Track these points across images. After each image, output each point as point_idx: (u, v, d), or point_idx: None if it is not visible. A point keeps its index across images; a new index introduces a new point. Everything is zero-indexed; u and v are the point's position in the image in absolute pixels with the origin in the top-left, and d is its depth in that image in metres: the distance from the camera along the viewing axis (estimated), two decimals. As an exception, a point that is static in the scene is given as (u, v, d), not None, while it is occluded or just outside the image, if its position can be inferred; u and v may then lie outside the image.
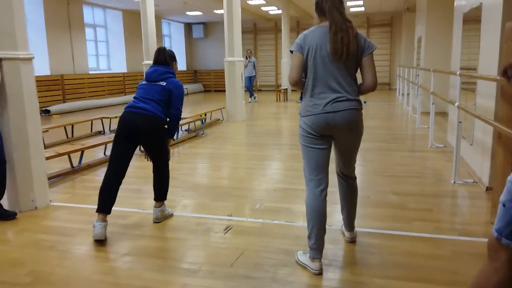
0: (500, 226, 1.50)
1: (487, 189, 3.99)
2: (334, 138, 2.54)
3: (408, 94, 10.58)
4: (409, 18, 14.60)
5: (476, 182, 4.30)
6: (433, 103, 6.01)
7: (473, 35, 4.84)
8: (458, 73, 4.40)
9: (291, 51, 2.49)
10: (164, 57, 3.35)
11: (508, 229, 1.47)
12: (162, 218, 3.43)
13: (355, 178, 2.83)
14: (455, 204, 3.89)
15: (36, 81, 3.81)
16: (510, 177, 1.47)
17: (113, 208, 3.14)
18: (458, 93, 4.40)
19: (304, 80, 2.49)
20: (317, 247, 2.52)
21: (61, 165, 5.28)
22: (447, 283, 2.39)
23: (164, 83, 3.27)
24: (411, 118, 9.04)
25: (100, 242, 3.04)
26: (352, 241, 2.94)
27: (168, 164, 3.46)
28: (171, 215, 3.54)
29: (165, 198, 3.46)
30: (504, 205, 1.48)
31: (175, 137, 7.03)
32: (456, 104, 4.39)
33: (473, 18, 4.87)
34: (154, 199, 3.43)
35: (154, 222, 3.40)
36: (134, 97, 3.29)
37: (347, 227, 2.95)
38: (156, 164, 3.40)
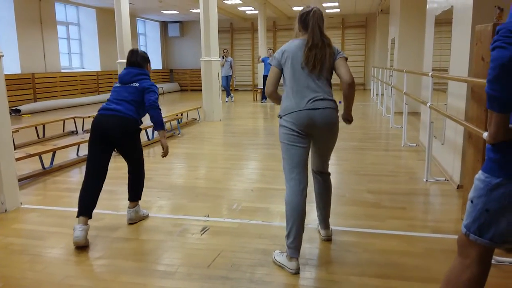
0: (468, 222, 1.55)
1: (458, 187, 4.11)
2: (313, 137, 2.62)
3: (382, 94, 10.78)
4: (383, 20, 14.88)
5: (447, 180, 4.41)
6: (406, 103, 6.13)
7: (445, 37, 4.97)
8: (430, 74, 4.51)
9: (270, 65, 2.68)
10: (136, 59, 3.31)
11: (475, 225, 1.52)
12: (136, 219, 3.38)
13: (329, 174, 2.91)
14: (427, 202, 3.99)
15: (6, 79, 3.68)
16: (478, 175, 1.52)
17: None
18: (430, 93, 4.51)
19: (277, 93, 2.69)
20: (295, 246, 2.54)
21: (32, 166, 5.13)
22: (421, 279, 2.45)
23: (137, 84, 3.22)
24: (385, 117, 9.21)
25: (80, 248, 2.92)
26: (328, 239, 2.97)
27: (143, 164, 3.41)
28: (146, 216, 3.49)
29: (139, 199, 3.41)
30: (472, 201, 1.52)
31: (150, 137, 6.94)
32: (428, 104, 4.49)
33: (444, 21, 5.00)
34: (128, 199, 3.38)
35: (129, 224, 3.35)
36: (108, 100, 3.25)
37: (323, 225, 2.99)
38: (131, 165, 3.35)
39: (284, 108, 2.57)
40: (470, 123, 3.15)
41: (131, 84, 3.23)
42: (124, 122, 3.12)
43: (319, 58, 2.51)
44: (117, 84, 3.30)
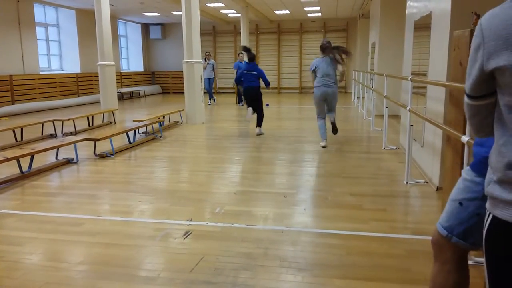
0: (451, 224, 1.51)
1: (438, 189, 4.18)
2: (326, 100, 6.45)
3: (363, 98, 10.91)
4: (363, 24, 15.08)
5: (427, 183, 4.49)
6: (386, 107, 6.22)
7: (424, 41, 5.06)
8: (409, 78, 4.58)
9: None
10: (253, 56, 7.81)
11: (461, 228, 1.49)
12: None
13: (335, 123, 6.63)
14: (408, 204, 4.05)
15: (-19, 82, 3.59)
16: (470, 176, 1.49)
17: (65, 215, 3.00)
18: (410, 97, 4.58)
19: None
20: (322, 134, 6.43)
21: (10, 170, 5.01)
22: (402, 281, 2.48)
23: (255, 72, 7.55)
24: (366, 120, 9.32)
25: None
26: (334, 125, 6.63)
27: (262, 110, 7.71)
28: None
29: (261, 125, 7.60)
30: (460, 203, 1.50)
31: (131, 140, 6.87)
32: (408, 108, 4.57)
33: (423, 26, 5.10)
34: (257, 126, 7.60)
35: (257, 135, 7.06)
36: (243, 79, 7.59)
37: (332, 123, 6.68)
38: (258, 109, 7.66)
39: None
40: (449, 127, 3.21)
41: (252, 72, 7.55)
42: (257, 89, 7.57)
43: (334, 63, 6.40)
44: (245, 72, 7.57)
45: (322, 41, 6.47)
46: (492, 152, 1.15)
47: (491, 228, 1.13)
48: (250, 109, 7.59)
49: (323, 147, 6.30)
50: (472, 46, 1.14)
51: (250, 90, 7.55)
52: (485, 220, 1.16)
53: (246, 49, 8.06)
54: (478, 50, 1.11)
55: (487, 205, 1.16)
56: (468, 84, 1.18)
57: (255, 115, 7.69)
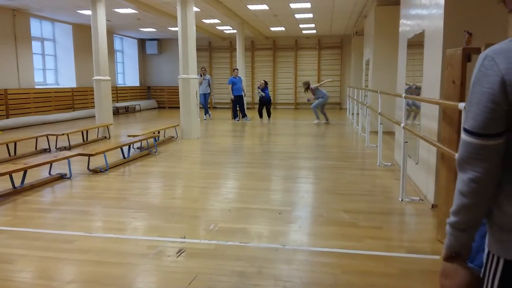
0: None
1: (433, 206, 4.17)
2: None
3: (357, 114, 10.97)
4: (357, 42, 15.26)
5: (422, 200, 4.49)
6: (380, 123, 6.26)
7: (417, 59, 5.12)
8: (403, 95, 4.62)
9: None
10: None
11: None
12: None
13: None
14: (403, 222, 4.04)
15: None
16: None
17: (57, 232, 2.95)
18: (404, 114, 4.61)
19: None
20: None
21: (2, 185, 4.95)
22: (397, 300, 2.45)
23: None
24: (360, 137, 9.36)
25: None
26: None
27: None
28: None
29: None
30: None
31: (126, 155, 6.83)
32: (402, 125, 4.59)
33: (417, 43, 5.17)
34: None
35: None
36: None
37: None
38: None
39: None
40: (443, 144, 3.23)
41: None
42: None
43: None
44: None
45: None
46: (503, 201, 1.08)
47: (506, 274, 1.07)
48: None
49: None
50: (480, 77, 1.07)
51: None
52: (491, 271, 1.11)
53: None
54: (491, 81, 1.04)
55: (494, 252, 1.10)
56: (479, 119, 1.06)
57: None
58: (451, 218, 1.17)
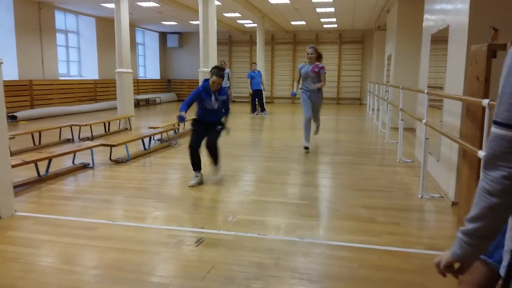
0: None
1: (453, 204, 4.13)
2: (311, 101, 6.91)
3: (378, 110, 10.85)
4: (379, 36, 15.05)
5: (442, 197, 4.44)
6: (401, 119, 6.19)
7: (441, 54, 5.04)
8: (425, 91, 4.56)
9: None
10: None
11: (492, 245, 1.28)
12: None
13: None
14: (422, 218, 4.00)
15: (4, 85, 3.69)
16: None
17: (80, 219, 3.04)
18: (426, 110, 4.55)
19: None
20: (305, 137, 6.84)
21: (28, 173, 5.11)
22: (414, 296, 2.45)
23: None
24: (380, 133, 9.26)
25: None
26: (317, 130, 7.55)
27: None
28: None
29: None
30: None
31: (147, 146, 6.94)
32: (424, 121, 4.53)
33: (440, 39, 5.08)
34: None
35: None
36: None
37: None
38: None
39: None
40: (465, 141, 3.18)
41: None
42: None
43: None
44: None
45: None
46: None
47: None
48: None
49: (305, 147, 6.90)
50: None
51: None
52: None
53: None
54: None
55: None
56: None
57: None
58: (469, 226, 1.08)
